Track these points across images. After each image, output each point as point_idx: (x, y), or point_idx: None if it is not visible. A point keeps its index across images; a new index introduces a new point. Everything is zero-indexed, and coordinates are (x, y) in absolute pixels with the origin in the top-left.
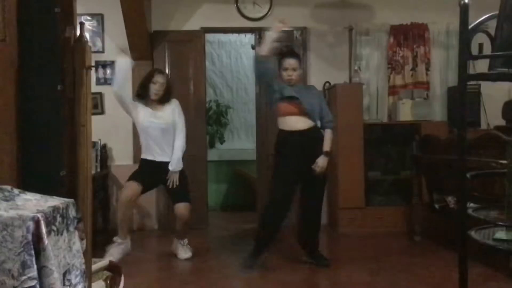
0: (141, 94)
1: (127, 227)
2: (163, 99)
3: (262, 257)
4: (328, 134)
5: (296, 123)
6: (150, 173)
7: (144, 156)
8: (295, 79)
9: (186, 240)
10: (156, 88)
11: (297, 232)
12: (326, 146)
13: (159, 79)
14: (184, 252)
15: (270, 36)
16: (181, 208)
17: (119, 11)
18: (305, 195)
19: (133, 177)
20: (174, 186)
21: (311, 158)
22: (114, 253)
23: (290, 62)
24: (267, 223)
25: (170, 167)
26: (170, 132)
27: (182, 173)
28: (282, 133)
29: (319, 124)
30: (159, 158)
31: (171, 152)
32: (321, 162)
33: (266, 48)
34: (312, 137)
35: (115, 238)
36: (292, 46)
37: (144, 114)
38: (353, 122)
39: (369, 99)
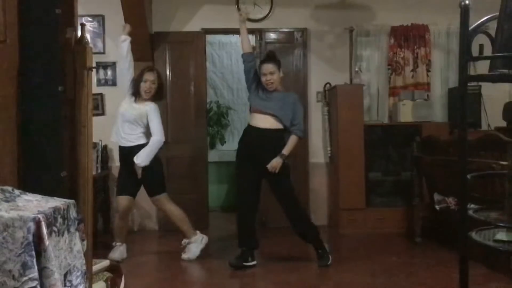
0: (134, 92)
1: (124, 233)
2: (156, 98)
3: (249, 257)
4: (291, 139)
5: (260, 120)
6: (126, 169)
7: (114, 139)
8: (274, 83)
9: (186, 240)
10: (146, 86)
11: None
12: (285, 149)
13: (149, 77)
14: (185, 252)
15: (241, 29)
16: (154, 201)
17: (120, 12)
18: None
19: (119, 191)
20: (139, 177)
21: (268, 158)
22: (114, 254)
23: (267, 67)
24: (238, 222)
25: (135, 159)
26: (137, 125)
27: (151, 167)
28: (247, 127)
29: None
30: (125, 143)
31: (135, 142)
32: (274, 162)
33: (244, 44)
34: (269, 137)
35: (113, 243)
36: (273, 53)
37: (124, 102)
38: (354, 123)
39: (370, 100)
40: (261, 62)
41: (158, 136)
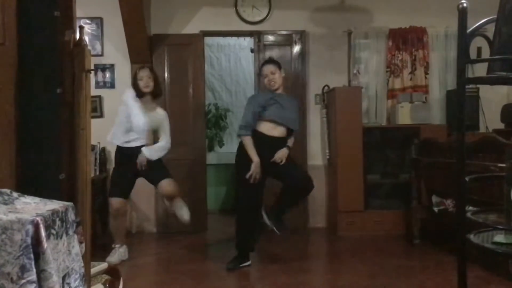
0: (137, 93)
1: (121, 233)
2: (156, 92)
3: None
4: (292, 136)
5: (273, 129)
6: (123, 169)
7: (119, 142)
8: (277, 82)
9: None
10: (143, 82)
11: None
12: (289, 142)
13: (143, 73)
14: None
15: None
16: (164, 185)
17: (118, 14)
18: (284, 180)
19: (112, 192)
20: (142, 168)
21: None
22: (112, 258)
23: (267, 67)
24: (243, 224)
25: (144, 151)
26: (148, 131)
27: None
28: (258, 134)
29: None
30: (129, 145)
31: (139, 143)
32: (280, 152)
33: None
34: (280, 145)
35: (113, 245)
36: (272, 57)
37: (135, 109)
38: (352, 125)
39: (368, 103)
40: (261, 65)
41: (169, 143)
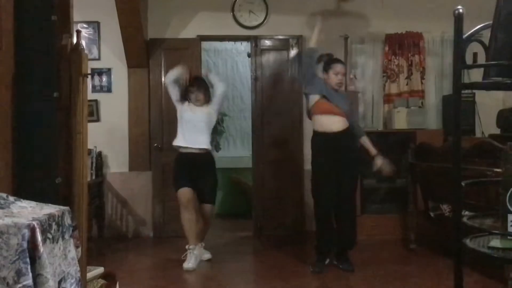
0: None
1: (193, 232)
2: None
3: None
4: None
5: (332, 124)
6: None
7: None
8: (343, 83)
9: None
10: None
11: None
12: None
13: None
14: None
15: (317, 29)
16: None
17: (115, 18)
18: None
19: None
20: None
21: (344, 158)
22: (190, 261)
23: (341, 67)
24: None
25: None
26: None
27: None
28: (316, 135)
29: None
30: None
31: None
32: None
33: (314, 40)
34: (345, 139)
35: (187, 246)
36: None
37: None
38: None
39: (365, 107)
40: (330, 61)
41: None
